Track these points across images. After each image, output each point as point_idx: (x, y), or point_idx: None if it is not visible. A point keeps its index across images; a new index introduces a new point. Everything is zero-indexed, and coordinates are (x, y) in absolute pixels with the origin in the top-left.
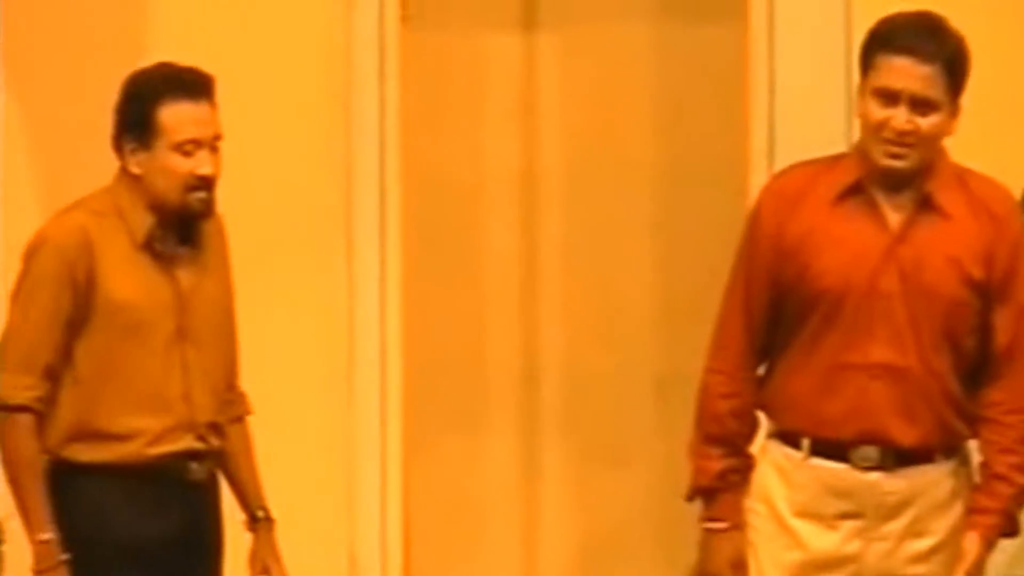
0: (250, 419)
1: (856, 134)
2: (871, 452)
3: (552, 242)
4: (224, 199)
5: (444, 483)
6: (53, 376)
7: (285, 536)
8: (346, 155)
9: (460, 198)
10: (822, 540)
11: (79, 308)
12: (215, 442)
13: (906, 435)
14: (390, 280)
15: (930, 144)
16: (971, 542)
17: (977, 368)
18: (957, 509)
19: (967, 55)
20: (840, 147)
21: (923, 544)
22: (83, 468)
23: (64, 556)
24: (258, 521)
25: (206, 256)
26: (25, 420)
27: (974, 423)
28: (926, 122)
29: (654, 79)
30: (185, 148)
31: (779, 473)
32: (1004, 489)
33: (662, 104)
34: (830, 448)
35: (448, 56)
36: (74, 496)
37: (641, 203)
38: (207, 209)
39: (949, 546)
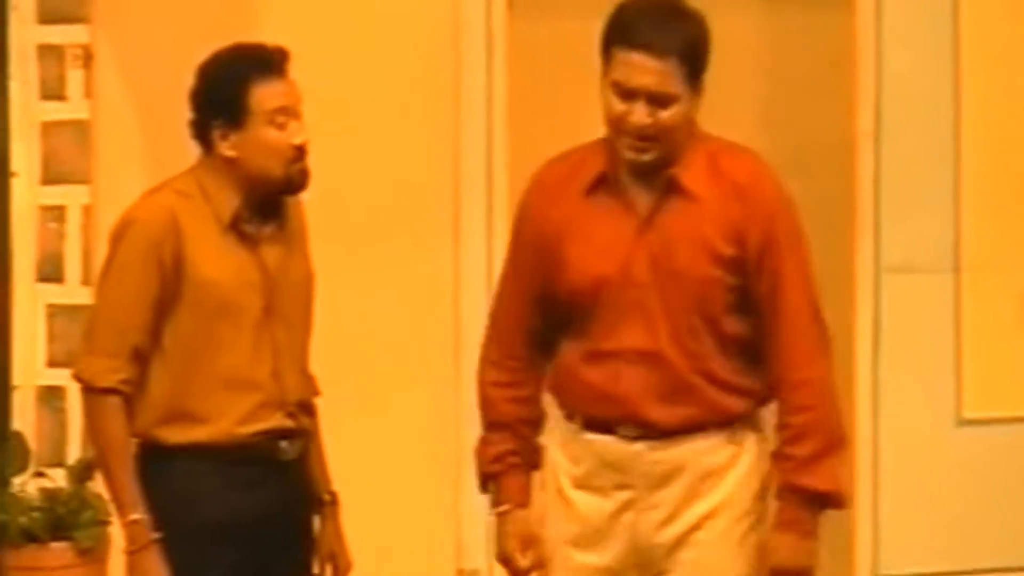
0: (358, 407)
1: (963, 116)
2: (632, 427)
3: None
4: (332, 185)
5: None
6: (141, 358)
7: (392, 521)
8: (454, 141)
9: None
10: (597, 511)
11: (167, 288)
12: (305, 420)
13: (667, 417)
14: (496, 265)
15: (674, 134)
16: (774, 539)
17: (756, 344)
18: (737, 472)
19: (704, 39)
20: (946, 131)
21: (700, 508)
22: (174, 450)
23: (155, 535)
24: (325, 505)
25: (289, 236)
26: (113, 402)
27: (764, 398)
28: (666, 114)
29: (762, 64)
30: (277, 120)
31: (563, 448)
32: (785, 465)
33: (770, 88)
34: (598, 423)
35: (555, 42)
36: (165, 478)
37: None
38: (305, 180)
39: (727, 510)
